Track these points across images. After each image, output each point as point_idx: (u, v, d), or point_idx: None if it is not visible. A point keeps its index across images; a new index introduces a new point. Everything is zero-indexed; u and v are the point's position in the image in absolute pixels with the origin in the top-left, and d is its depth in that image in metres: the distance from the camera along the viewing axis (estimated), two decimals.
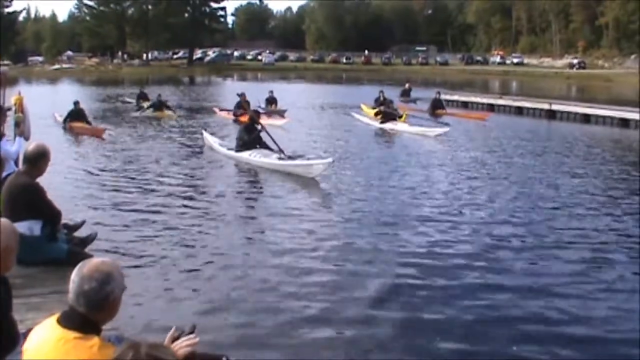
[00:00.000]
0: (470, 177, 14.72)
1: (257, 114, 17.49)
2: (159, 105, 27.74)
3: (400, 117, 23.83)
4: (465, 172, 15.31)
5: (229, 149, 16.92)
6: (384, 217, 10.87)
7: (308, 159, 15.10)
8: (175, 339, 2.91)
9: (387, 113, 23.53)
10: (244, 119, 23.76)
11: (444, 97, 31.99)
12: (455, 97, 36.88)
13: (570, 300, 7.25)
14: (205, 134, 19.48)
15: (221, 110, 29.08)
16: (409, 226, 10.39)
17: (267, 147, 15.93)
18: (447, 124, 24.38)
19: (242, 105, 25.14)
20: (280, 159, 15.14)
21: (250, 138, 16.13)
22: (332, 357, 5.94)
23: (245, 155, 15.95)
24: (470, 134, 23.12)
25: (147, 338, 2.87)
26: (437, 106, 30.49)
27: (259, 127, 16.39)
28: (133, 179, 14.14)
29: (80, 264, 2.74)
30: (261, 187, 14.18)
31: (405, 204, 11.99)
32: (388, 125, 23.22)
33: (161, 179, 14.14)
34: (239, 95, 25.00)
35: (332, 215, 11.37)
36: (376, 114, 24.37)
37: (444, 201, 12.24)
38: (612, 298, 7.42)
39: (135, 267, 8.01)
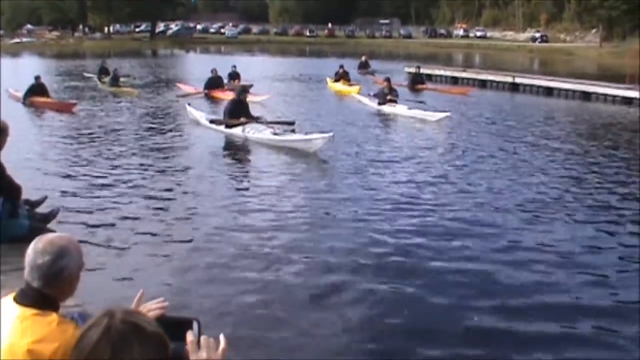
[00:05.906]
0: (460, 161, 14.05)
1: (245, 88, 17.44)
2: (116, 80, 27.21)
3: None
4: (454, 154, 14.81)
5: (219, 124, 16.56)
6: (379, 199, 10.61)
7: (307, 133, 14.80)
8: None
9: (388, 100, 21.83)
10: (217, 94, 23.69)
11: (407, 70, 31.70)
12: None
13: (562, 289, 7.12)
14: (190, 108, 18.82)
15: (185, 85, 28.19)
16: (400, 205, 10.24)
17: (257, 122, 15.86)
18: (425, 102, 23.48)
19: (215, 81, 25.06)
20: (275, 134, 14.98)
21: (241, 113, 15.99)
22: (309, 328, 5.99)
23: (238, 130, 15.70)
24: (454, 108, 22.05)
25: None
26: (417, 81, 29.87)
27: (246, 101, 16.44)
28: (100, 154, 13.94)
29: (36, 239, 2.69)
30: (250, 162, 13.97)
31: (395, 185, 11.71)
32: (386, 108, 21.77)
33: (132, 154, 13.98)
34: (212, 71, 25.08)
35: (326, 191, 11.18)
36: (375, 95, 22.96)
37: (436, 181, 11.94)
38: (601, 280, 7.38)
39: (101, 242, 7.97)
